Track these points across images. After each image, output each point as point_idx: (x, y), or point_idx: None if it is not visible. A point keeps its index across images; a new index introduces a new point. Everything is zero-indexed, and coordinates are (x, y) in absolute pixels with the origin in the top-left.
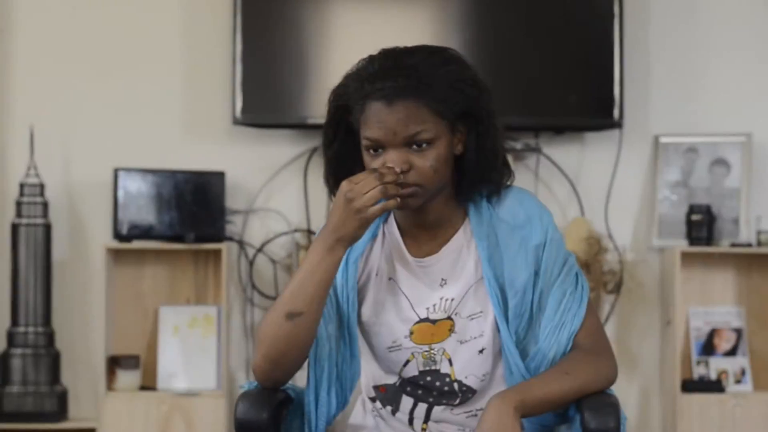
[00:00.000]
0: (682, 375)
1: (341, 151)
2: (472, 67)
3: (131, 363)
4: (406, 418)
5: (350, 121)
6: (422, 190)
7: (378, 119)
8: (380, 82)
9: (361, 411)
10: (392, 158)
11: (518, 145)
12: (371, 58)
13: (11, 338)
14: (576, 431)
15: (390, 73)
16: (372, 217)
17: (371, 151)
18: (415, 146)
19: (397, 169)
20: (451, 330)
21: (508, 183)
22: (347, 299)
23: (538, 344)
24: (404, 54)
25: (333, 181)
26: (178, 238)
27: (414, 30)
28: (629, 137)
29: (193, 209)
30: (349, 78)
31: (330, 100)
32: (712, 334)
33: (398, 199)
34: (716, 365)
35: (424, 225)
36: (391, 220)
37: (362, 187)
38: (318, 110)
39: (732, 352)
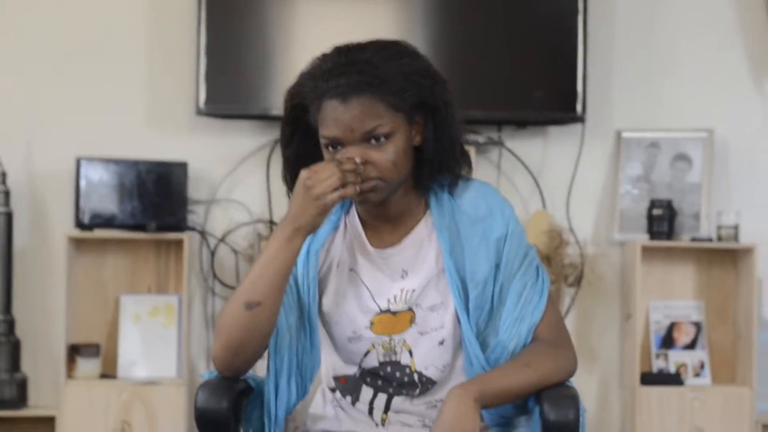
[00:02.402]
0: (641, 368)
1: (299, 150)
2: (425, 58)
3: (92, 351)
4: (366, 408)
5: (308, 120)
6: (383, 183)
7: (334, 117)
8: (334, 80)
9: (321, 401)
10: (351, 154)
11: (481, 139)
12: (324, 55)
13: None
14: (535, 423)
15: (343, 69)
16: (330, 204)
17: (330, 148)
18: (373, 141)
19: (357, 160)
20: (412, 321)
21: (466, 173)
22: (308, 290)
23: (499, 336)
24: (356, 50)
25: (291, 180)
26: (139, 228)
27: (378, 24)
28: (591, 132)
29: (156, 199)
30: (303, 77)
31: (286, 99)
32: (671, 327)
33: (357, 188)
34: (675, 358)
35: (386, 217)
36: (353, 211)
37: (321, 175)
38: (281, 102)
39: (691, 346)
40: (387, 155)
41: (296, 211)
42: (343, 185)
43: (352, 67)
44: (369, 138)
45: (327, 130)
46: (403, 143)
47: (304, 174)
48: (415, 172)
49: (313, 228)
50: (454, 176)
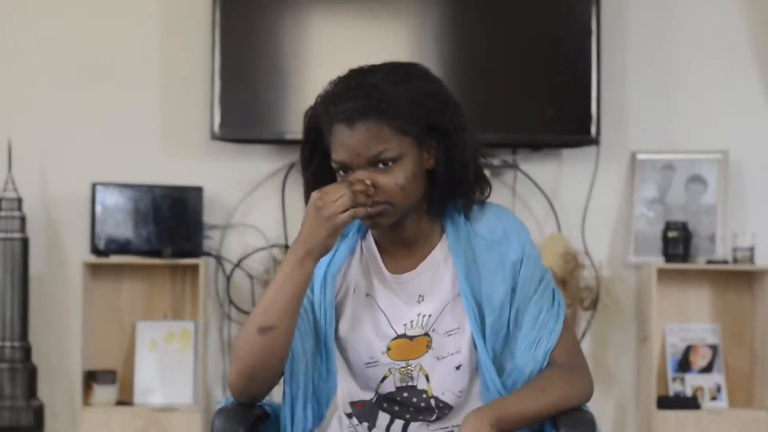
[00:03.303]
0: (657, 391)
1: (318, 172)
2: (438, 81)
3: (108, 378)
4: None
5: (324, 143)
6: (392, 208)
7: (341, 142)
8: (342, 104)
9: (338, 427)
10: (359, 178)
11: (495, 162)
12: (338, 78)
13: None
14: None
15: (351, 94)
16: (341, 224)
17: (341, 172)
18: (380, 165)
19: (367, 182)
20: (429, 346)
21: (485, 196)
22: (324, 315)
23: (515, 361)
24: (366, 73)
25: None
26: (155, 253)
27: (392, 46)
28: (606, 154)
29: (171, 224)
30: (318, 100)
31: (304, 121)
32: (687, 350)
33: (368, 209)
34: (692, 382)
35: (402, 241)
36: (369, 236)
37: (331, 196)
38: (296, 125)
39: (708, 369)
40: (394, 179)
41: (307, 233)
42: (354, 206)
43: (359, 91)
44: (376, 162)
45: (336, 154)
46: (412, 167)
47: (315, 195)
48: (428, 196)
49: (324, 250)
50: (469, 200)
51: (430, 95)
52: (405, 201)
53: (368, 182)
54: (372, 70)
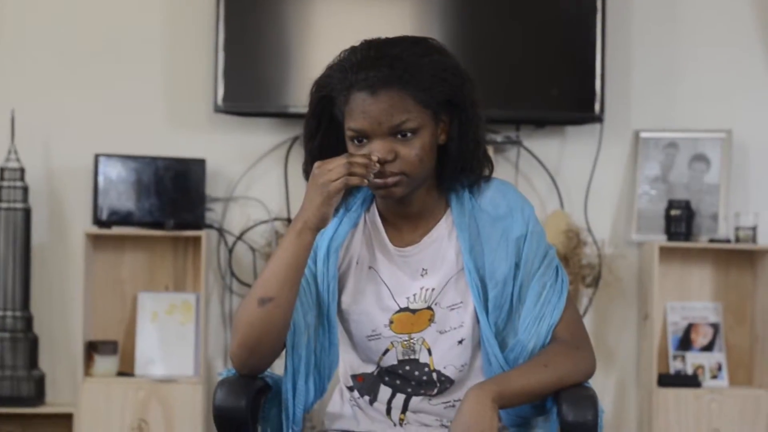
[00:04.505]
0: (658, 369)
1: (324, 143)
2: (454, 57)
3: (109, 348)
4: (383, 407)
5: (333, 112)
6: (408, 179)
7: (362, 109)
8: (364, 72)
9: (339, 400)
10: (377, 148)
11: (499, 138)
12: (354, 48)
13: None
14: (553, 423)
15: (374, 63)
16: (333, 191)
17: (355, 141)
18: (399, 135)
19: (374, 158)
20: (431, 320)
21: (488, 174)
22: (327, 287)
23: (518, 336)
24: (387, 44)
25: None
26: (157, 225)
27: (396, 21)
28: (610, 132)
29: (173, 196)
30: (331, 68)
31: (312, 91)
32: (689, 329)
33: (365, 180)
34: (693, 360)
35: (407, 215)
36: (373, 209)
37: (329, 165)
38: (299, 99)
39: (708, 348)
40: (413, 150)
41: (305, 204)
42: (350, 174)
43: (382, 61)
44: (396, 132)
45: (354, 122)
46: (429, 140)
47: (315, 166)
48: (437, 170)
49: (320, 219)
50: (476, 176)
51: (451, 69)
52: (420, 173)
53: (375, 158)
54: (392, 41)
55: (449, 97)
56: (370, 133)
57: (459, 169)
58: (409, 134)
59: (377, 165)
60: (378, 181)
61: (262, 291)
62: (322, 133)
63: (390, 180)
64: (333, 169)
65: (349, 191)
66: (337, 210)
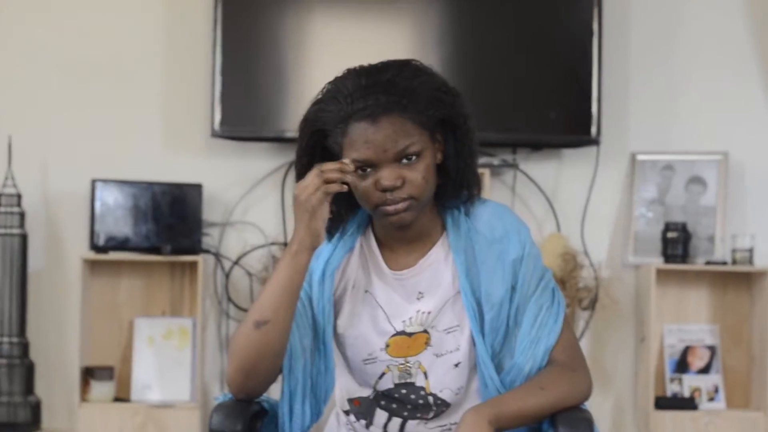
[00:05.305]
0: (655, 392)
1: None
2: (440, 74)
3: (105, 374)
4: (379, 431)
5: (326, 146)
6: (417, 202)
7: (365, 139)
8: (361, 102)
9: (335, 424)
10: (384, 176)
11: (496, 161)
12: (340, 79)
13: None
14: None
15: (368, 91)
16: (317, 203)
17: (360, 171)
18: (405, 160)
19: (346, 160)
20: (427, 343)
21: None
22: (323, 311)
23: (514, 359)
24: (376, 71)
25: None
26: (154, 250)
27: (393, 44)
28: (606, 154)
29: (170, 221)
30: (321, 102)
31: (303, 128)
32: (686, 351)
33: (344, 185)
34: (690, 383)
35: (405, 238)
36: (369, 233)
37: (304, 182)
38: (296, 124)
39: (705, 370)
40: (419, 173)
41: (296, 227)
42: (327, 182)
43: (376, 88)
44: (401, 158)
45: (358, 152)
46: (430, 161)
47: (294, 189)
48: (436, 190)
49: (313, 237)
50: (472, 194)
51: (442, 88)
52: (427, 194)
53: (347, 161)
54: (379, 68)
55: (444, 116)
56: (376, 161)
57: (459, 185)
58: (413, 158)
59: (351, 165)
60: (389, 208)
61: (258, 314)
62: None
63: (401, 206)
64: (308, 184)
65: (341, 217)
66: (332, 235)
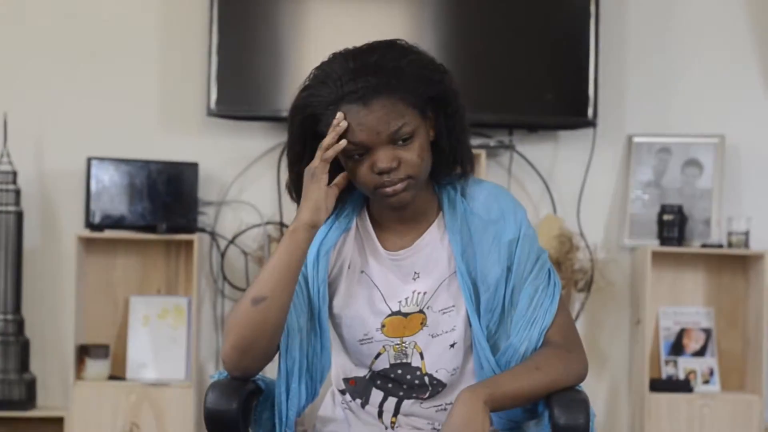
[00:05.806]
0: (650, 374)
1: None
2: (427, 53)
3: (100, 352)
4: (375, 411)
5: (318, 131)
6: (414, 181)
7: (357, 122)
8: (351, 84)
9: (331, 403)
10: (380, 158)
11: (492, 143)
12: (328, 63)
13: None
14: (545, 427)
15: (357, 73)
16: (320, 171)
17: (356, 156)
18: (400, 141)
19: (340, 115)
20: (423, 323)
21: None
22: (318, 292)
23: (510, 339)
24: (363, 53)
25: (300, 194)
26: (150, 229)
27: (389, 26)
28: (603, 136)
29: (166, 200)
30: (310, 88)
31: (294, 114)
32: (681, 333)
33: (342, 141)
34: (685, 365)
35: (401, 218)
36: (365, 213)
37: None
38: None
39: (701, 353)
40: (414, 153)
41: (300, 204)
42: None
43: (365, 70)
44: (395, 139)
45: (351, 136)
46: (424, 140)
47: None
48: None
49: (311, 213)
50: (465, 171)
51: (430, 66)
52: (424, 173)
53: (339, 115)
54: (365, 50)
55: (434, 94)
56: (370, 144)
57: (452, 162)
58: (407, 138)
59: (345, 122)
60: (387, 189)
61: (256, 290)
62: (308, 155)
63: (399, 186)
64: (313, 161)
65: (341, 197)
66: (328, 216)
